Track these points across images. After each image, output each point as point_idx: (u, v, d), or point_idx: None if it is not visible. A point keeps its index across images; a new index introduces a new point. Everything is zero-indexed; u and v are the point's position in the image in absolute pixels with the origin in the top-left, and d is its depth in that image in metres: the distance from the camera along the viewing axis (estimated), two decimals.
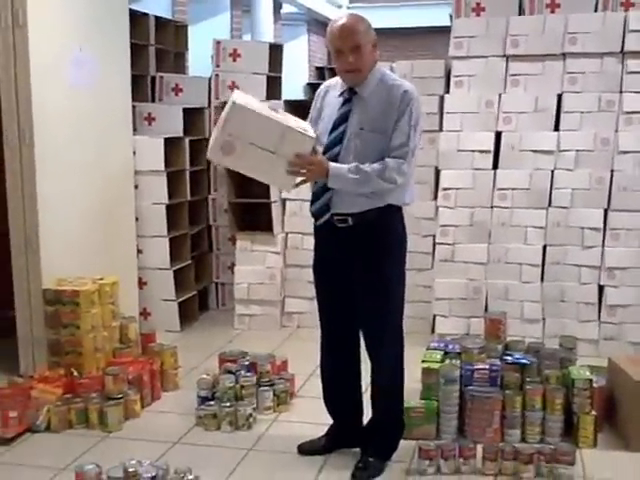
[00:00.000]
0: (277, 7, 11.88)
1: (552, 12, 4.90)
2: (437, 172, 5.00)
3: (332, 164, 2.97)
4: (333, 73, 3.23)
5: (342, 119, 3.06)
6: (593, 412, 3.42)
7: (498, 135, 4.83)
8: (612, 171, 4.63)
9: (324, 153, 3.04)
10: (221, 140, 2.88)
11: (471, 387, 3.48)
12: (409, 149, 2.99)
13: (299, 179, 3.02)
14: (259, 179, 3.18)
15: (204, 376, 3.88)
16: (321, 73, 13.28)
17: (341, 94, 3.11)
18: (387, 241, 3.09)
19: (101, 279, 4.16)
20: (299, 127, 2.91)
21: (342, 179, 2.96)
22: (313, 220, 3.19)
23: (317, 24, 13.76)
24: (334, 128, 3.06)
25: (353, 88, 3.06)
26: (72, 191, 4.32)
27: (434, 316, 4.91)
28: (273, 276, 5.27)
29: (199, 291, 5.67)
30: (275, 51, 6.06)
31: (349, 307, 3.17)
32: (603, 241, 4.62)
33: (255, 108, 2.88)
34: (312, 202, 3.15)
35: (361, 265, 3.08)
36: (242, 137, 2.86)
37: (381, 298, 3.10)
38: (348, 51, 2.97)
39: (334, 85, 3.18)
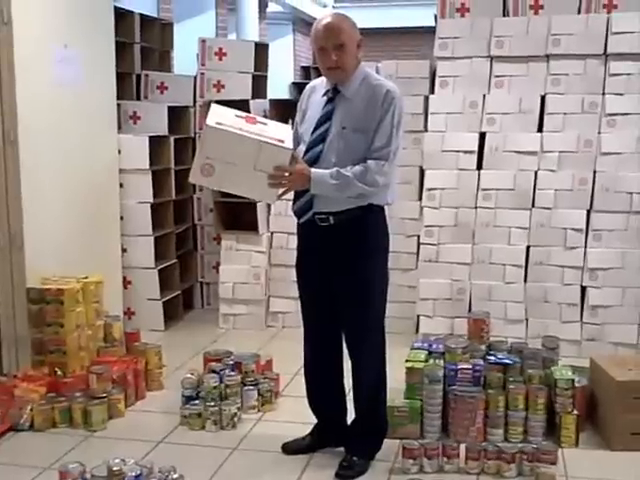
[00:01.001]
0: (263, 6, 11.86)
1: (536, 13, 4.94)
2: (422, 172, 5.02)
3: (313, 171, 2.98)
4: (318, 72, 3.24)
5: (325, 118, 3.08)
6: (575, 412, 3.45)
7: (482, 136, 4.86)
8: (595, 172, 4.67)
9: (306, 152, 3.06)
10: (200, 163, 2.91)
11: (454, 387, 3.50)
12: (391, 150, 3.01)
13: (281, 190, 3.03)
14: (243, 195, 3.22)
15: (188, 375, 3.88)
16: (306, 72, 13.29)
17: (325, 93, 3.12)
18: (369, 241, 3.10)
19: (85, 278, 4.15)
20: (274, 139, 2.91)
21: (324, 185, 2.98)
22: (296, 218, 3.20)
23: (303, 23, 13.76)
24: (317, 127, 3.08)
25: (337, 87, 3.07)
26: (57, 190, 4.31)
27: (418, 316, 4.93)
28: (258, 275, 5.27)
29: (184, 290, 5.66)
30: (260, 50, 6.06)
31: (331, 306, 3.18)
32: (585, 242, 4.66)
33: (228, 127, 2.89)
34: (294, 201, 3.17)
35: (342, 264, 3.09)
36: (219, 158, 2.89)
37: (362, 297, 3.11)
38: (331, 49, 2.98)
39: (319, 85, 3.19)
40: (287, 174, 2.93)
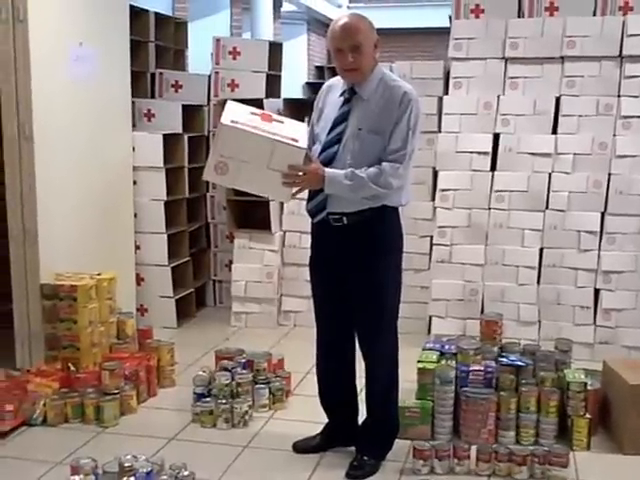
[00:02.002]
0: (277, 5, 11.87)
1: (551, 15, 4.92)
2: (435, 173, 5.01)
3: (328, 170, 2.98)
4: (333, 72, 3.24)
5: (341, 119, 3.07)
6: (587, 415, 3.44)
7: (496, 137, 4.85)
8: (609, 175, 4.65)
9: (322, 152, 3.06)
10: (214, 161, 2.92)
11: (466, 388, 3.49)
12: (406, 152, 2.99)
13: (295, 189, 3.03)
14: (256, 193, 3.23)
15: (200, 373, 3.89)
16: (320, 72, 13.31)
17: (342, 94, 3.12)
18: (382, 241, 3.09)
19: (99, 274, 4.17)
20: (288, 138, 2.91)
21: (338, 185, 2.98)
22: (309, 218, 3.20)
23: (317, 23, 13.77)
24: (333, 128, 3.07)
25: (354, 88, 3.07)
26: (71, 186, 4.33)
27: (430, 317, 4.92)
28: (270, 274, 5.28)
29: (196, 288, 5.68)
30: (275, 49, 6.06)
31: (344, 306, 3.18)
32: (599, 245, 4.64)
33: (243, 125, 2.89)
34: (308, 200, 3.17)
35: (356, 264, 3.09)
36: (233, 156, 2.89)
37: (375, 298, 3.11)
38: (348, 50, 2.97)
39: (336, 85, 3.19)
40: (301, 173, 2.94)
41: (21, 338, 4.16)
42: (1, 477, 3.19)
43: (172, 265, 5.29)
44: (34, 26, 3.96)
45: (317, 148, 3.09)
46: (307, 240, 3.34)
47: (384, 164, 2.97)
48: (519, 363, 3.62)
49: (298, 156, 2.90)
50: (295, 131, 3.00)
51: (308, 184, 3.01)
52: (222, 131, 2.90)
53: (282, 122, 3.05)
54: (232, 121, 2.90)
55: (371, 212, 3.05)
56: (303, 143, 2.94)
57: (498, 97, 4.86)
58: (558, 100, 4.78)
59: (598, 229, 4.64)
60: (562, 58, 4.79)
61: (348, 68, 3.01)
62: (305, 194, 3.18)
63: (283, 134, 2.92)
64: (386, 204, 3.06)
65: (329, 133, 3.07)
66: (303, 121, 3.29)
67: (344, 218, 3.07)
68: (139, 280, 5.21)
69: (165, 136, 5.22)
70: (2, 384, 3.68)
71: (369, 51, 3.01)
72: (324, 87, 3.27)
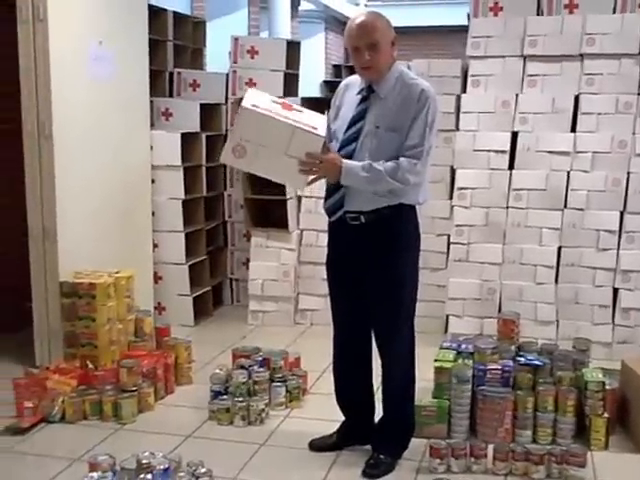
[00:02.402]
0: (295, 4, 11.87)
1: (570, 12, 4.88)
2: (453, 171, 5.00)
3: (345, 161, 2.98)
4: (350, 71, 3.24)
5: (359, 117, 3.07)
6: (605, 414, 3.41)
7: (514, 135, 4.83)
8: (628, 173, 4.61)
9: (340, 149, 3.06)
10: (232, 144, 2.93)
11: (483, 387, 3.48)
12: (424, 149, 2.99)
13: (311, 177, 3.04)
14: (272, 179, 3.22)
15: (217, 371, 3.91)
16: (338, 71, 13.30)
17: (359, 92, 3.12)
18: (399, 240, 3.09)
19: (117, 273, 4.20)
20: (308, 126, 2.91)
21: (354, 177, 2.97)
22: (327, 217, 3.21)
23: (334, 22, 13.76)
24: (350, 125, 3.07)
25: (371, 86, 3.07)
26: (90, 184, 4.36)
27: (447, 316, 4.91)
28: (287, 273, 5.29)
29: (214, 286, 5.70)
30: (292, 48, 6.06)
31: (361, 304, 3.18)
32: (618, 244, 4.61)
33: (263, 110, 2.89)
34: (325, 199, 3.17)
35: (373, 263, 3.09)
36: (252, 140, 2.90)
37: (392, 297, 3.11)
38: (365, 48, 2.97)
39: (354, 82, 3.19)
40: (318, 161, 2.94)
41: (40, 336, 4.20)
42: (20, 473, 3.23)
43: (189, 263, 5.32)
44: (54, 25, 4.00)
45: (335, 145, 3.09)
46: (324, 239, 3.34)
47: (402, 159, 2.97)
48: (537, 362, 3.61)
49: (316, 143, 2.91)
50: (314, 121, 3.00)
51: (325, 173, 3.01)
52: (243, 114, 2.90)
53: (302, 112, 3.05)
54: (253, 105, 2.91)
55: (389, 210, 3.04)
56: (322, 132, 2.94)
57: (516, 95, 4.84)
58: (577, 98, 4.75)
59: (617, 228, 4.60)
60: (581, 56, 4.76)
61: (365, 66, 3.01)
62: (322, 191, 3.19)
63: (303, 122, 2.93)
64: (403, 202, 3.06)
65: (347, 131, 3.07)
66: (324, 113, 3.28)
67: (361, 216, 3.06)
68: (157, 278, 5.24)
69: (183, 135, 5.25)
70: (21, 381, 3.71)
71: (386, 49, 3.01)
72: (342, 85, 3.27)
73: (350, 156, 3.03)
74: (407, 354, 3.20)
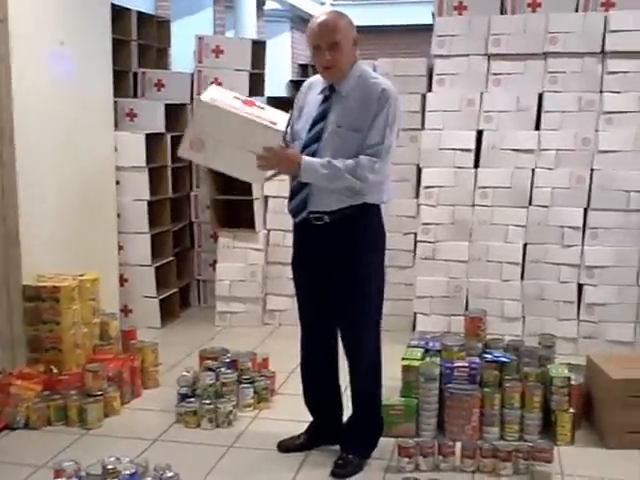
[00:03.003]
0: (260, 4, 11.84)
1: (533, 11, 4.93)
2: (419, 170, 5.02)
3: (305, 158, 2.97)
4: (316, 70, 3.23)
5: (321, 116, 3.07)
6: (571, 410, 3.45)
7: (479, 134, 4.86)
8: (592, 170, 4.67)
9: (303, 150, 3.05)
10: (190, 137, 2.91)
11: (450, 385, 3.50)
12: (383, 148, 2.98)
13: (270, 172, 3.02)
14: (231, 174, 3.19)
15: (184, 373, 3.88)
16: (304, 70, 13.27)
17: (321, 91, 3.11)
18: (363, 240, 3.08)
19: (82, 275, 4.15)
20: (267, 121, 2.90)
21: (314, 173, 2.97)
22: (291, 217, 3.19)
23: (300, 21, 13.74)
24: (313, 125, 3.07)
25: (333, 86, 3.06)
26: (53, 186, 4.30)
27: (415, 314, 4.93)
28: (255, 273, 5.27)
29: (180, 288, 5.66)
30: (258, 48, 6.04)
31: (327, 304, 3.17)
32: (583, 240, 4.66)
33: (222, 104, 2.87)
34: (289, 200, 3.16)
35: (338, 263, 3.07)
36: (210, 134, 2.88)
37: (357, 297, 3.10)
38: (326, 47, 2.97)
39: (316, 82, 3.18)
40: (276, 156, 2.92)
41: (3, 340, 4.11)
42: None
43: (156, 265, 5.28)
44: (14, 25, 3.92)
45: (297, 145, 3.08)
46: (291, 239, 3.33)
47: (361, 157, 2.96)
48: (503, 359, 3.64)
49: (274, 138, 2.89)
50: (275, 117, 2.99)
51: (283, 168, 3.02)
52: (200, 107, 2.89)
53: (263, 108, 3.05)
54: (212, 99, 2.89)
55: (352, 210, 3.04)
56: (281, 127, 2.93)
57: (481, 94, 4.87)
58: (541, 96, 4.80)
59: (581, 224, 4.66)
60: (545, 54, 4.80)
61: (326, 65, 3.01)
62: (286, 191, 3.17)
63: (263, 117, 2.91)
64: (367, 201, 3.05)
65: (309, 131, 3.06)
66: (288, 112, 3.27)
67: (325, 217, 3.06)
68: (122, 280, 5.19)
69: (148, 135, 5.20)
70: None
71: (347, 49, 3.00)
72: (305, 85, 3.26)
73: (313, 155, 3.02)
74: (373, 352, 3.20)
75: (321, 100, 3.09)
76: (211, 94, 2.93)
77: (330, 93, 3.07)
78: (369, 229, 3.10)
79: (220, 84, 5.77)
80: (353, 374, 3.22)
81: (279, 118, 3.01)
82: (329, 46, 2.96)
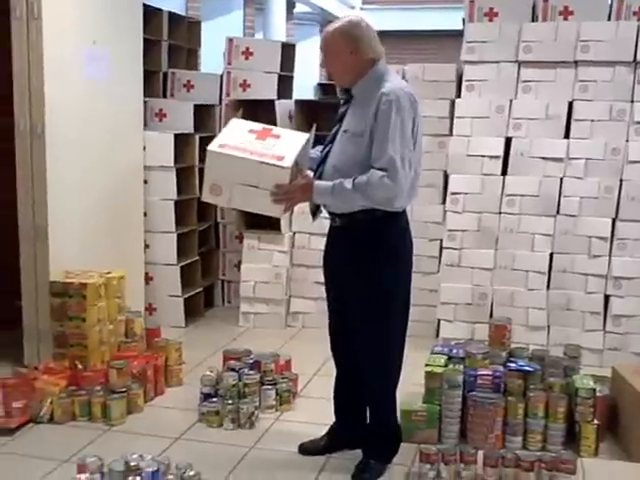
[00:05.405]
0: (290, 6, 11.89)
1: (565, 19, 4.89)
2: (446, 176, 5.00)
3: (316, 185, 2.97)
4: None
5: (338, 120, 3.10)
6: (595, 421, 3.42)
7: (508, 141, 4.83)
8: (621, 180, 4.63)
9: (322, 150, 3.09)
10: (208, 184, 3.01)
11: (474, 392, 3.48)
12: (389, 157, 2.83)
13: (286, 205, 3.04)
14: (252, 211, 3.27)
15: (208, 373, 3.89)
16: None
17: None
18: (379, 249, 2.99)
19: (108, 273, 4.18)
20: (274, 157, 2.93)
21: (326, 199, 2.99)
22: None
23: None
24: (333, 127, 3.11)
25: (351, 90, 3.08)
26: (82, 184, 4.34)
27: (439, 320, 4.91)
28: (279, 275, 5.28)
29: (205, 288, 5.68)
30: (287, 50, 6.06)
31: (344, 306, 3.15)
32: (610, 250, 4.62)
33: (230, 150, 2.95)
34: None
35: (351, 269, 3.04)
36: (224, 179, 2.98)
37: (370, 306, 3.02)
38: (321, 55, 3.06)
39: None
40: (287, 191, 2.94)
41: (30, 335, 4.17)
42: (8, 473, 3.20)
43: (181, 264, 5.30)
44: (48, 24, 3.97)
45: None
46: (316, 241, 3.36)
47: (371, 172, 2.86)
48: (527, 368, 3.61)
49: (282, 175, 2.93)
50: (287, 147, 3.00)
51: (296, 201, 3.04)
52: (210, 157, 2.99)
53: (279, 137, 3.07)
54: (220, 145, 2.99)
55: (363, 215, 2.96)
56: (288, 161, 2.93)
57: (510, 101, 4.85)
58: (571, 105, 4.76)
59: (609, 235, 4.62)
60: (575, 62, 4.76)
61: (327, 72, 3.11)
62: None
63: (270, 153, 2.96)
64: (376, 208, 2.94)
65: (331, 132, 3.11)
66: (312, 125, 3.28)
67: (337, 219, 3.07)
68: (148, 279, 5.22)
69: (176, 136, 5.23)
70: (10, 381, 3.68)
71: (342, 59, 2.99)
72: None
73: (324, 158, 3.05)
74: (385, 364, 3.12)
75: (342, 103, 3.13)
76: (221, 139, 3.02)
77: (349, 97, 3.09)
78: (385, 238, 2.99)
79: (249, 86, 5.82)
80: (366, 381, 3.17)
81: (290, 147, 3.01)
82: (324, 55, 3.05)
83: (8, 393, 3.60)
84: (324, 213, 3.14)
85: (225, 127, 3.13)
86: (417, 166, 3.01)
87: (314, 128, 3.19)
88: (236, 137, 3.04)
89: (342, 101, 3.13)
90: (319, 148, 3.16)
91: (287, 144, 3.02)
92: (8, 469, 3.23)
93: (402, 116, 2.87)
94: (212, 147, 2.99)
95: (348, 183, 2.89)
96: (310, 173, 3.06)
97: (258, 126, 3.13)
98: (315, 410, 3.64)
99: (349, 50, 2.99)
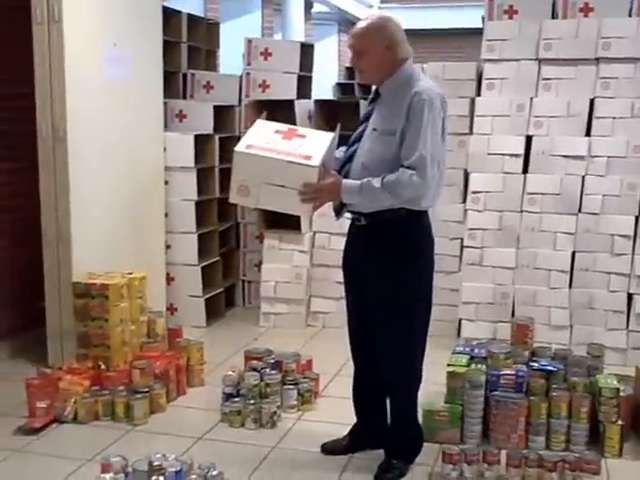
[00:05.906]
0: (308, 6, 11.89)
1: (586, 16, 4.86)
2: (466, 175, 4.98)
3: (344, 183, 2.96)
4: None
5: (365, 118, 3.10)
6: (619, 421, 3.38)
7: (529, 139, 4.81)
8: None
9: (348, 149, 3.08)
10: (236, 185, 3.02)
11: (496, 392, 3.46)
12: (418, 157, 2.86)
13: (315, 204, 3.05)
14: (280, 211, 3.27)
15: (229, 373, 3.91)
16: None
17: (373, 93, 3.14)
18: (403, 247, 2.99)
19: (130, 273, 4.20)
20: (301, 157, 2.94)
21: (353, 198, 2.97)
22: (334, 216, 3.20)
23: (348, 24, 13.73)
24: (359, 126, 3.10)
25: (378, 89, 3.07)
26: (103, 185, 4.37)
27: (460, 320, 4.90)
28: (300, 275, 5.28)
29: (226, 288, 5.70)
30: (306, 50, 6.06)
31: (366, 306, 3.14)
32: (633, 248, 4.58)
33: (256, 150, 2.96)
34: None
35: (374, 268, 3.03)
36: (252, 179, 2.98)
37: (393, 305, 3.02)
38: (354, 52, 3.03)
39: None
40: (315, 190, 2.94)
41: (53, 336, 4.21)
42: (32, 473, 3.23)
43: (202, 265, 5.32)
44: (68, 26, 4.00)
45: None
46: (337, 241, 3.36)
47: (401, 171, 2.87)
48: (550, 368, 3.59)
49: (310, 174, 2.93)
50: (314, 146, 3.01)
51: (324, 200, 3.03)
52: (237, 157, 3.00)
53: (304, 137, 3.08)
54: (247, 146, 2.99)
55: (389, 214, 2.97)
56: (316, 160, 2.94)
57: (531, 99, 4.82)
58: (592, 102, 4.72)
59: (632, 233, 4.58)
60: (597, 59, 4.73)
61: (356, 69, 3.07)
62: None
63: (297, 152, 2.96)
64: (403, 207, 2.96)
65: (356, 131, 3.10)
66: (336, 124, 3.28)
67: (362, 218, 3.06)
68: (169, 279, 5.25)
69: (196, 136, 5.25)
70: (34, 381, 3.71)
71: (374, 56, 2.98)
72: None
73: (351, 157, 3.05)
74: (406, 366, 3.11)
75: (369, 101, 3.13)
76: (248, 139, 3.02)
77: (376, 96, 3.09)
78: (408, 237, 2.99)
79: (268, 86, 5.82)
80: (387, 382, 3.17)
81: (317, 146, 3.02)
82: (355, 52, 3.02)
83: (32, 393, 3.64)
84: (345, 212, 3.12)
85: (250, 128, 3.14)
86: (443, 166, 3.03)
87: (339, 127, 3.19)
88: (262, 138, 3.04)
89: (368, 100, 3.12)
90: (342, 149, 3.16)
91: (313, 144, 3.03)
92: (33, 468, 3.26)
93: (434, 116, 2.90)
94: (239, 148, 2.99)
95: (377, 182, 2.90)
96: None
97: (284, 127, 3.14)
98: (337, 410, 3.64)
99: (384, 45, 2.98)
